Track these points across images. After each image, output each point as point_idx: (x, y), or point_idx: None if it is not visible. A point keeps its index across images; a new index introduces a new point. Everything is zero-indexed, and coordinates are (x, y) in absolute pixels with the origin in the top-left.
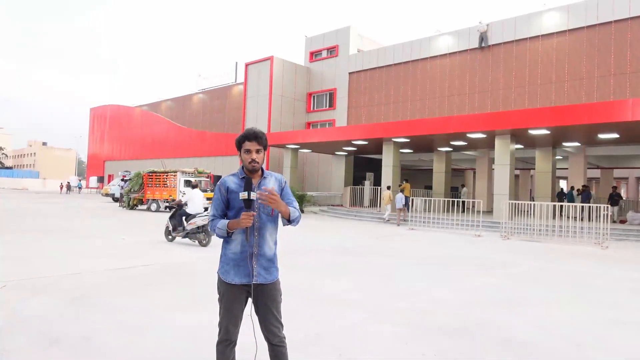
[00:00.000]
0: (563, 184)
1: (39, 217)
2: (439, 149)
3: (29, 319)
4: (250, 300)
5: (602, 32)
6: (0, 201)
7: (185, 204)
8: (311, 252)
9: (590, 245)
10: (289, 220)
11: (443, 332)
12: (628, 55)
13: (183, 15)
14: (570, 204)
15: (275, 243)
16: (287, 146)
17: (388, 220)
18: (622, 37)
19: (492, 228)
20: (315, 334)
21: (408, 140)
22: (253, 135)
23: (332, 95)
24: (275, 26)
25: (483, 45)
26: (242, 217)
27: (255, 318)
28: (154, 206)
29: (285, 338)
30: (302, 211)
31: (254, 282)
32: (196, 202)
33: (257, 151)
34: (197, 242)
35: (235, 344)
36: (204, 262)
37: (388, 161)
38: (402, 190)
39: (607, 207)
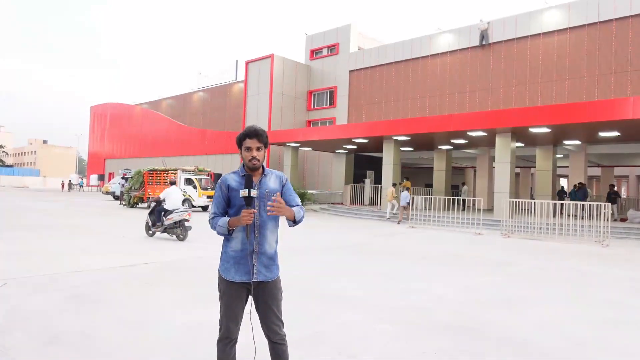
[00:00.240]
0: (563, 182)
1: (39, 214)
2: (439, 147)
3: (29, 315)
4: (250, 298)
5: (603, 30)
6: (0, 198)
7: (164, 201)
8: (311, 250)
9: (591, 243)
10: (294, 222)
11: (443, 331)
12: (629, 53)
13: (183, 13)
14: (571, 202)
15: (277, 241)
16: (288, 144)
17: (389, 218)
18: (623, 35)
19: (492, 226)
20: (315, 332)
21: (408, 138)
22: (254, 133)
23: (332, 93)
24: (276, 24)
25: (484, 43)
26: (242, 215)
27: (254, 318)
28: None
29: (285, 336)
30: None
31: (254, 280)
32: (173, 198)
33: (258, 149)
34: (174, 236)
35: (235, 341)
36: (205, 260)
37: (388, 159)
38: (407, 189)
39: (607, 205)
